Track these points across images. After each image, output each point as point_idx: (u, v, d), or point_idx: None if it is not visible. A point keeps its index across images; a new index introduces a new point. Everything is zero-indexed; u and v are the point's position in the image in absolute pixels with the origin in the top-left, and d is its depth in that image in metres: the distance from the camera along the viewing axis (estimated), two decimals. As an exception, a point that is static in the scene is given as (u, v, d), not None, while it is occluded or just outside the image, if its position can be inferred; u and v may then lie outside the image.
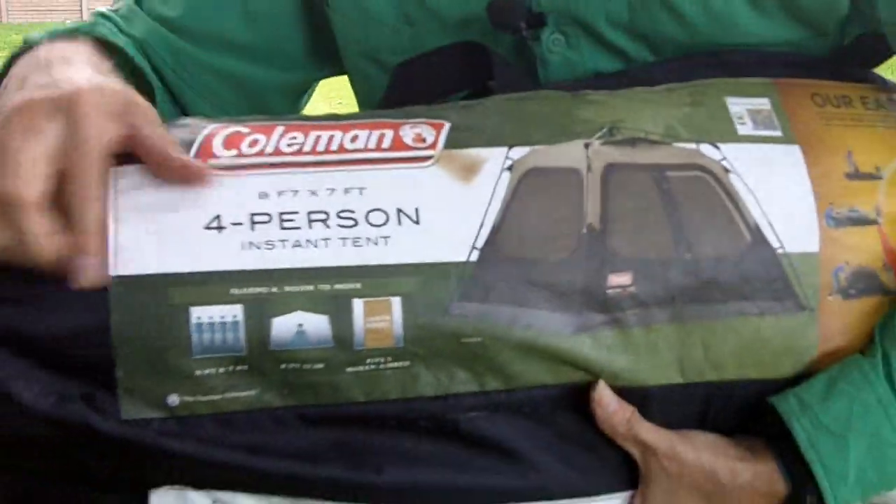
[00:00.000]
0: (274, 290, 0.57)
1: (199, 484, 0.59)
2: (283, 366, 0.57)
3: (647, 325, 0.63)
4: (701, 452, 0.65)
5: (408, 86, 0.76)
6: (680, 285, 0.63)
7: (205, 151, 0.60)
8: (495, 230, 0.60)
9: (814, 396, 0.64)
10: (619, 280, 0.63)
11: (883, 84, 0.75)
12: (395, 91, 0.76)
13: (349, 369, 0.58)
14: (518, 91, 0.70)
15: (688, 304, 0.63)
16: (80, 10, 22.84)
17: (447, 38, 0.77)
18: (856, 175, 0.68)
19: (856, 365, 0.65)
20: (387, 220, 0.59)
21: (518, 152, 0.63)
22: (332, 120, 0.65)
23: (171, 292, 0.56)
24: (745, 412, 0.66)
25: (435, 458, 0.61)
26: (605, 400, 0.62)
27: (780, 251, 0.64)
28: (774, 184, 0.65)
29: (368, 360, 0.59)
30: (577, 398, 0.63)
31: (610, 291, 0.62)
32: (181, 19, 0.85)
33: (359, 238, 0.58)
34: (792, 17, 0.74)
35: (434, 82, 0.75)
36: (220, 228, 0.58)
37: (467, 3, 0.76)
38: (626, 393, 0.63)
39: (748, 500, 0.64)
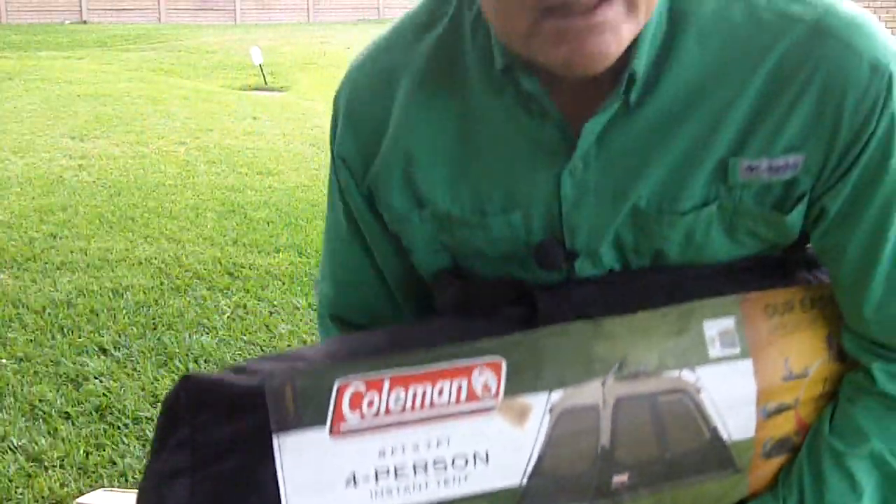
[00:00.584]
0: None
1: None
2: None
3: (635, 501, 0.89)
4: None
5: (466, 299, 0.97)
6: (659, 473, 0.89)
7: (338, 415, 0.83)
8: (540, 460, 0.85)
9: None
10: (620, 479, 0.88)
11: (819, 275, 0.96)
12: (456, 301, 0.98)
13: None
14: (555, 311, 0.90)
15: (663, 482, 0.89)
16: (80, 11, 23.02)
17: (488, 263, 0.97)
18: (789, 377, 0.92)
19: None
20: (466, 463, 0.84)
21: (555, 395, 0.86)
22: (423, 366, 0.85)
23: None
24: None
25: None
26: None
27: (727, 440, 0.90)
28: (730, 394, 0.90)
29: None
30: None
31: (613, 486, 0.88)
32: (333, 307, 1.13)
33: (447, 479, 0.84)
34: (756, 241, 0.91)
35: (488, 301, 0.95)
36: (355, 484, 0.83)
37: (511, 246, 0.94)
38: None
39: None
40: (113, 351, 3.69)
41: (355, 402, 0.84)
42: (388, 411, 0.84)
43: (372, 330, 1.00)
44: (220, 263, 4.68)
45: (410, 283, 1.07)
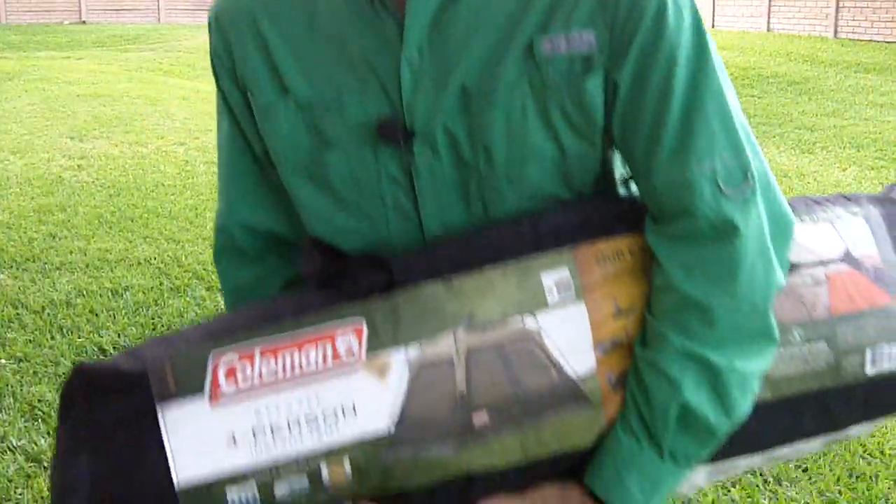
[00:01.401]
0: (272, 471, 0.96)
1: None
2: None
3: (499, 436, 1.00)
4: (551, 496, 1.04)
5: (329, 272, 1.07)
6: (517, 412, 0.99)
7: (215, 385, 0.96)
8: (404, 409, 0.98)
9: (609, 471, 1.03)
10: (480, 418, 0.99)
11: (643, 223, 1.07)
12: (320, 275, 1.07)
13: (320, 497, 0.98)
14: (411, 270, 1.02)
15: (524, 418, 0.99)
16: (80, 11, 23.01)
17: (343, 152, 1.07)
18: (618, 314, 1.04)
19: (618, 440, 1.03)
20: (336, 417, 0.96)
21: (412, 351, 0.98)
22: (290, 334, 0.98)
23: (213, 488, 0.96)
24: (564, 469, 1.04)
25: None
26: None
27: (573, 377, 1.01)
28: (568, 336, 1.01)
29: (331, 493, 0.98)
30: (448, 493, 1.02)
31: (475, 424, 0.99)
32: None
33: (321, 432, 0.96)
34: (569, 129, 1.04)
35: (350, 271, 1.04)
36: (235, 443, 0.96)
37: (363, 131, 1.06)
38: (492, 476, 1.01)
39: None
40: (112, 351, 3.69)
41: (230, 373, 0.97)
42: (260, 378, 0.97)
43: (247, 306, 1.09)
44: (220, 264, 4.69)
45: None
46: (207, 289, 4.35)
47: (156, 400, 0.97)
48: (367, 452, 0.98)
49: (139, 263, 4.72)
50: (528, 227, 1.05)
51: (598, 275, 1.04)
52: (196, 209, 5.78)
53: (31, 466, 2.89)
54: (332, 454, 0.97)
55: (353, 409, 0.97)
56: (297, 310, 1.02)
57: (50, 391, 3.33)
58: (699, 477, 1.14)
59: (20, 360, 3.61)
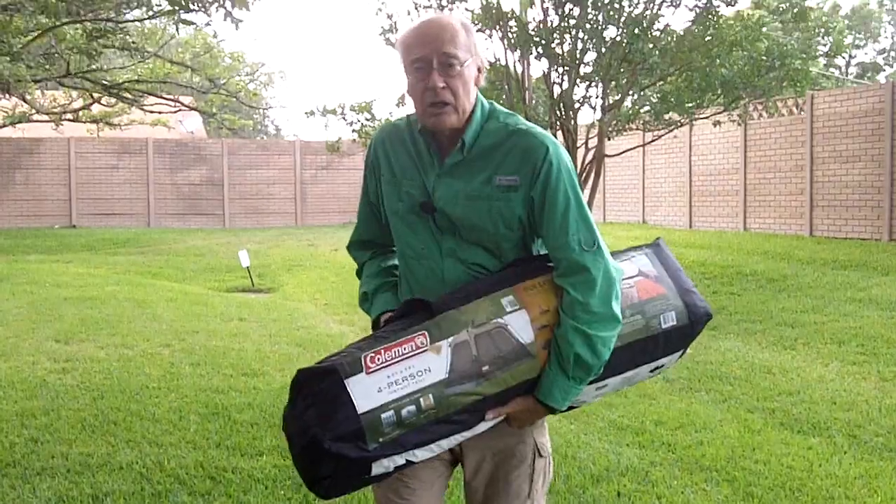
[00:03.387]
0: (397, 403, 2.10)
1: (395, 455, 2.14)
2: (405, 421, 2.11)
3: (495, 377, 2.18)
4: (520, 403, 2.24)
5: (404, 311, 2.26)
6: (502, 363, 2.19)
7: (366, 365, 2.12)
8: (451, 365, 2.15)
9: (545, 388, 2.23)
10: (485, 368, 2.17)
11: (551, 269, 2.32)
12: (399, 313, 2.27)
13: (421, 416, 2.11)
14: (441, 307, 2.21)
15: (505, 367, 2.19)
16: (70, 215, 23.40)
17: (400, 220, 2.39)
18: (543, 312, 2.25)
19: (547, 372, 2.23)
20: (422, 374, 2.13)
21: (451, 339, 2.17)
22: (394, 338, 2.16)
23: (375, 412, 2.09)
24: (526, 389, 2.23)
25: (451, 424, 2.17)
26: (490, 415, 2.21)
27: (525, 343, 2.22)
28: (519, 324, 2.23)
29: (426, 413, 2.11)
30: (475, 408, 2.19)
31: (483, 371, 2.17)
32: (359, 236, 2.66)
33: (416, 381, 2.12)
34: (500, 220, 2.29)
35: (412, 309, 2.24)
36: (379, 391, 2.10)
37: (410, 201, 2.37)
38: (494, 395, 2.19)
39: (534, 410, 2.27)
40: (90, 560, 3.57)
41: (372, 360, 2.12)
42: (385, 360, 2.12)
43: (373, 337, 2.21)
44: (203, 467, 4.61)
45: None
46: (189, 493, 4.27)
47: (342, 377, 2.08)
48: (437, 390, 2.11)
49: (121, 468, 4.64)
50: (489, 279, 2.27)
51: (527, 296, 2.23)
52: (180, 411, 5.74)
53: None
54: (423, 393, 2.10)
55: (429, 370, 2.11)
56: (394, 334, 2.16)
57: None
58: (589, 393, 2.32)
59: (-6, 571, 3.49)
